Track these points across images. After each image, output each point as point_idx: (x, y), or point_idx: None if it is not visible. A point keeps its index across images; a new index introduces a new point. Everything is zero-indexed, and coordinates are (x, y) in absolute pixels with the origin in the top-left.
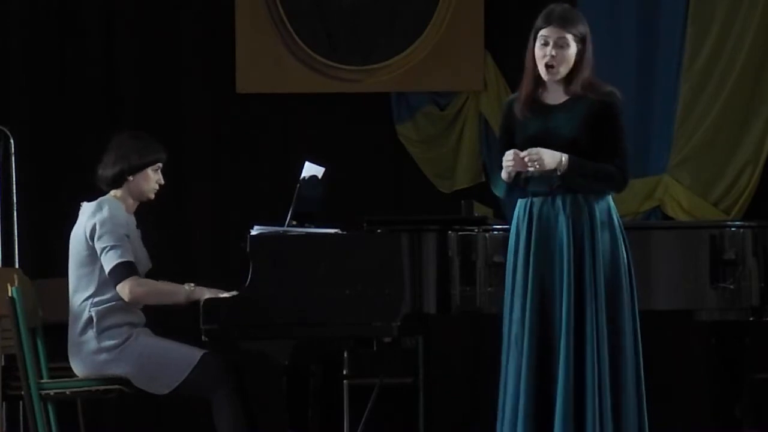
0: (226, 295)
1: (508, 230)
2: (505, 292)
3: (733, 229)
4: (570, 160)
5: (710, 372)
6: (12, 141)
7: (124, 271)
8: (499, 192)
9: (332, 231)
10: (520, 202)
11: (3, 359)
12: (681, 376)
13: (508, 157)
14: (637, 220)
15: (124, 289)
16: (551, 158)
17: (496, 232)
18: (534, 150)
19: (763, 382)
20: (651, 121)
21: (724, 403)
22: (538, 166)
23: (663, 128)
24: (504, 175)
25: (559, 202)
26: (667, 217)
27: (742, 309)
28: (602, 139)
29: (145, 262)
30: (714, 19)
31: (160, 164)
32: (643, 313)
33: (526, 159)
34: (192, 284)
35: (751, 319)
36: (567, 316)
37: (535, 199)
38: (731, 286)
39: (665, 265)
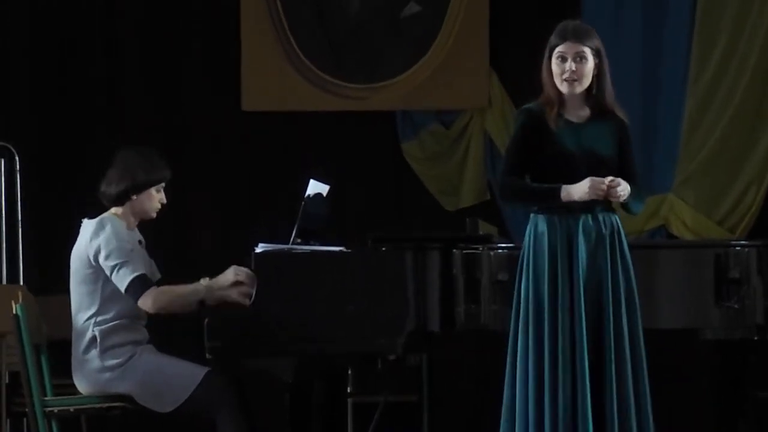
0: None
1: (512, 248)
2: (530, 313)
3: (737, 248)
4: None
5: (714, 390)
6: (17, 158)
7: (141, 285)
8: (513, 203)
9: (337, 249)
10: (549, 221)
11: (7, 376)
12: (685, 394)
13: (598, 185)
14: (642, 238)
15: (146, 301)
16: (628, 191)
17: (500, 251)
18: (619, 180)
19: (767, 400)
20: (656, 139)
21: (728, 421)
22: (623, 196)
23: (668, 147)
24: (585, 195)
25: (599, 218)
26: (671, 236)
27: (747, 328)
28: (625, 160)
29: (153, 273)
30: (719, 36)
31: (164, 183)
32: (648, 332)
33: (616, 190)
34: (206, 278)
35: (755, 338)
36: (608, 330)
37: (570, 217)
38: (736, 305)
39: (670, 284)
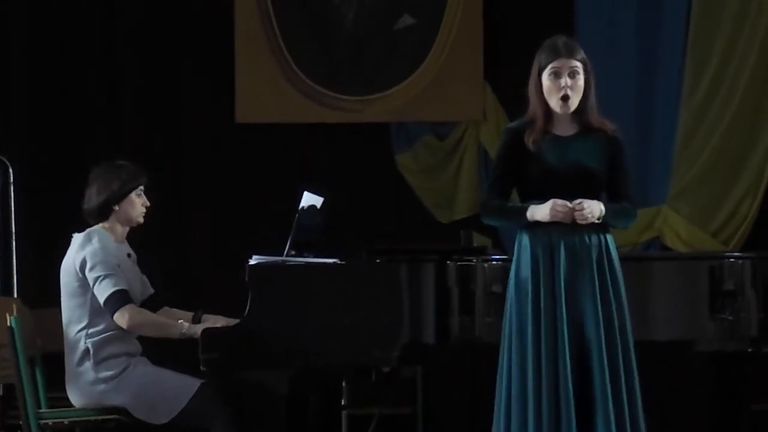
0: (223, 323)
1: (506, 260)
2: (514, 327)
3: (732, 260)
4: (605, 206)
5: (710, 403)
6: (11, 170)
7: (119, 299)
8: (488, 220)
9: (331, 261)
10: (532, 235)
11: (2, 389)
12: (681, 407)
13: (559, 208)
14: (636, 250)
15: (123, 316)
16: (598, 210)
17: (494, 263)
18: (586, 203)
19: (762, 413)
20: (650, 152)
21: None
22: (590, 218)
23: (662, 159)
24: (546, 217)
25: (584, 236)
26: (665, 248)
27: (741, 340)
28: (616, 175)
29: (140, 290)
30: (713, 51)
31: (143, 187)
32: (642, 344)
33: (581, 213)
34: (187, 323)
35: (750, 350)
36: (599, 347)
37: (554, 232)
38: (730, 317)
39: (664, 296)
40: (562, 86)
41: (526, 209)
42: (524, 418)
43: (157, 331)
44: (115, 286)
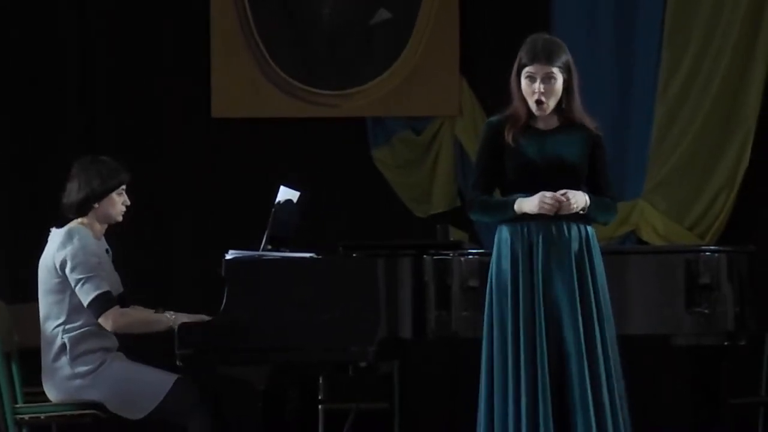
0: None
1: (483, 254)
2: (495, 319)
3: (708, 254)
4: (590, 198)
5: (688, 397)
6: None
7: (104, 303)
8: (477, 217)
9: (308, 255)
10: (512, 228)
11: None
12: (659, 401)
13: (548, 200)
14: (612, 244)
15: (107, 320)
16: (583, 201)
17: (471, 257)
18: (571, 193)
19: (740, 406)
20: (627, 146)
21: (702, 428)
22: (575, 209)
23: (638, 153)
24: (534, 209)
25: (563, 227)
26: (642, 242)
27: (718, 333)
28: (596, 171)
29: (116, 287)
30: (689, 45)
31: (124, 186)
32: (620, 338)
33: (566, 203)
34: (171, 313)
35: (726, 343)
36: (576, 340)
37: (533, 224)
38: (706, 311)
39: (641, 290)
40: (535, 91)
41: (513, 202)
42: (504, 412)
43: (145, 329)
44: (97, 289)
